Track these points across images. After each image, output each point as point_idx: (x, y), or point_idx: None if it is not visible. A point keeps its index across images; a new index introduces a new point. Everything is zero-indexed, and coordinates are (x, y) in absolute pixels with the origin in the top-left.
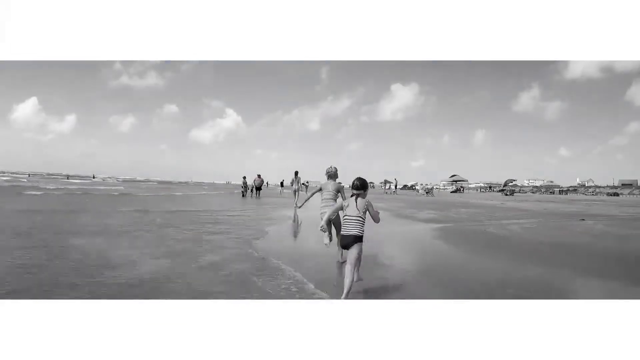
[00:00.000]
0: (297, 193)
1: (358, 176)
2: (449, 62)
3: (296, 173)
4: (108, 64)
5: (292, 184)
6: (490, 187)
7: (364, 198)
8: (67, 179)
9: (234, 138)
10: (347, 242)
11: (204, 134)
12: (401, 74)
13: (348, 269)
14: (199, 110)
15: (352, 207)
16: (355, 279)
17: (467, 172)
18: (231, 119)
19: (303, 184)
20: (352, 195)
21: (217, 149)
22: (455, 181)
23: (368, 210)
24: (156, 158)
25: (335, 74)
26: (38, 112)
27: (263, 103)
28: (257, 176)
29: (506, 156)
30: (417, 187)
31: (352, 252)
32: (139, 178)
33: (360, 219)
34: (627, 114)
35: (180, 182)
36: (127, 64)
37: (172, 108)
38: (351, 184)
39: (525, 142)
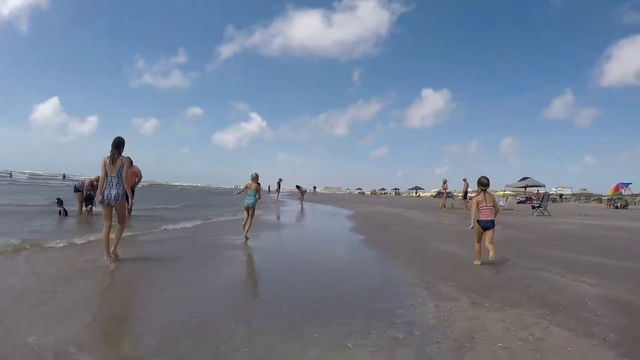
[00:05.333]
0: (249, 213)
1: (483, 176)
2: (484, 68)
3: (254, 179)
4: (130, 62)
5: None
6: (562, 197)
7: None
8: (10, 177)
9: (257, 142)
10: (488, 226)
11: (227, 137)
12: (434, 79)
13: (490, 246)
14: (223, 113)
15: (483, 200)
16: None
17: (492, 179)
18: (255, 122)
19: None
20: (481, 191)
21: (240, 153)
22: (528, 186)
23: (494, 202)
24: (178, 161)
25: (367, 77)
26: (59, 113)
27: (290, 106)
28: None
29: (532, 163)
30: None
31: (491, 232)
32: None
33: (494, 209)
34: None
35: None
36: (150, 62)
37: (196, 110)
38: (481, 182)
39: (552, 149)
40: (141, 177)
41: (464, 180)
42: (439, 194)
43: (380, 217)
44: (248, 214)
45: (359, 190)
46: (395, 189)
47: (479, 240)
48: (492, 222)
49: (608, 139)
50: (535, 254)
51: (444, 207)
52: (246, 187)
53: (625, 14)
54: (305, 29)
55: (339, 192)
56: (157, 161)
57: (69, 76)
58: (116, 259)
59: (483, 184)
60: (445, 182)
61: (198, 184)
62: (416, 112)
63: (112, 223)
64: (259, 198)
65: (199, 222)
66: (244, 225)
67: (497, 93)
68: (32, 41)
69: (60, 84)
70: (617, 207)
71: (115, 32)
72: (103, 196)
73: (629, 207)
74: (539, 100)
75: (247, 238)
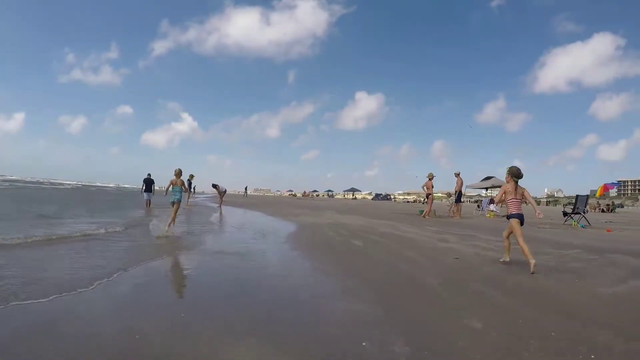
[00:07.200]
0: (174, 208)
1: (515, 165)
2: (419, 72)
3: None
4: (59, 55)
5: None
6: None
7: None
8: None
9: (188, 142)
10: (522, 219)
11: (157, 137)
12: (369, 82)
13: (525, 246)
14: (154, 112)
15: (513, 192)
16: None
17: (420, 182)
18: (187, 122)
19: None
20: (515, 182)
21: (171, 154)
22: (493, 187)
23: (524, 195)
24: (107, 162)
25: (302, 78)
26: None
27: (223, 106)
28: None
29: (460, 166)
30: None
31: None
32: (75, 181)
33: (521, 202)
34: (586, 125)
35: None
36: (81, 56)
37: (127, 109)
38: (513, 172)
39: (482, 153)
40: None
41: (457, 174)
42: (377, 196)
43: (358, 243)
44: (173, 208)
45: (290, 192)
46: (329, 190)
47: (509, 236)
48: (523, 216)
49: (538, 143)
50: None
51: (428, 215)
52: (171, 184)
53: (561, 24)
54: (242, 27)
55: (269, 195)
56: (86, 161)
57: None
58: None
59: (518, 174)
60: (431, 178)
61: (126, 185)
62: (349, 115)
63: None
64: (185, 191)
65: None
66: (169, 223)
67: (430, 97)
68: None
69: None
70: (603, 211)
71: (45, 23)
72: None
73: (616, 210)
74: (472, 104)
75: (167, 232)
